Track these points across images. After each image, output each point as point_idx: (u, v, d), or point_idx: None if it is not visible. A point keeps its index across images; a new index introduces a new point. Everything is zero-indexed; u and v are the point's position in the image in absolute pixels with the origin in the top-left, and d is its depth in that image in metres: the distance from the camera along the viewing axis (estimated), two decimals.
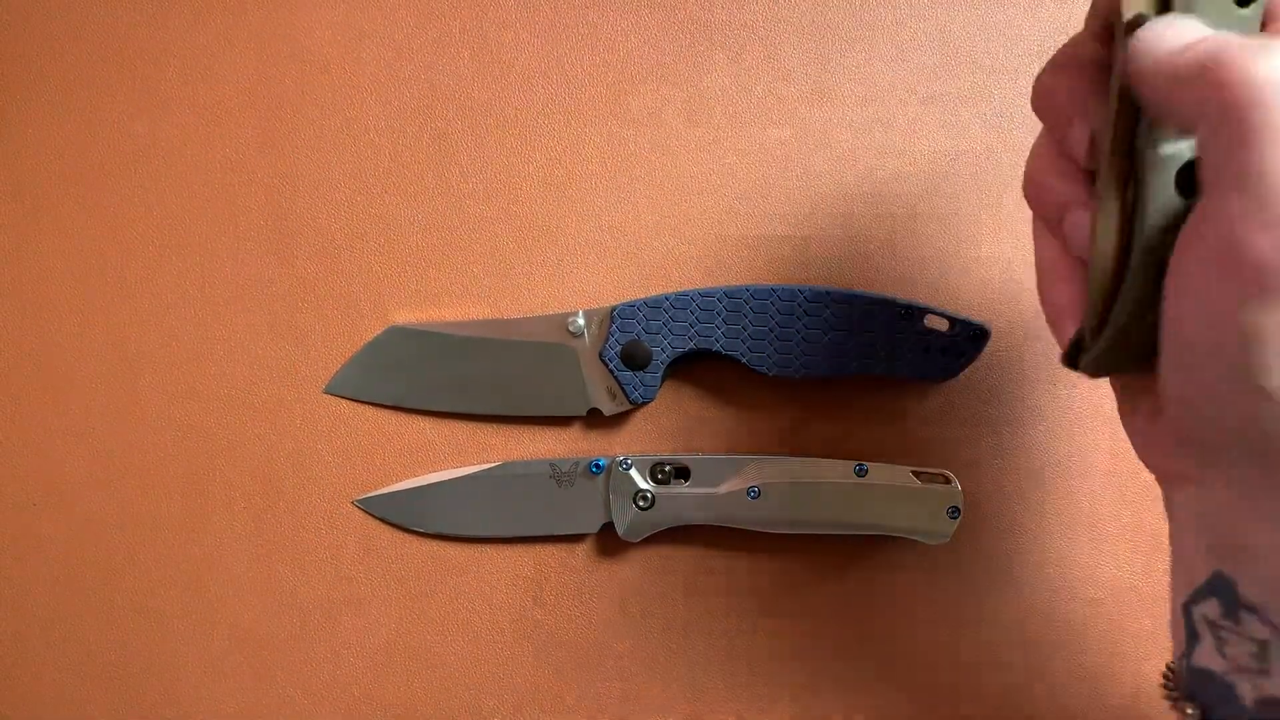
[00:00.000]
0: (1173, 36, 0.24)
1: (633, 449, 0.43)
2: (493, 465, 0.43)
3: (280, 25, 0.44)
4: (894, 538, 0.42)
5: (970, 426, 0.43)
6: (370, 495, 0.43)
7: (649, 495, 0.41)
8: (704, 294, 0.41)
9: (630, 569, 0.43)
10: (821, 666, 0.43)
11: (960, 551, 0.43)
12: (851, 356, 0.41)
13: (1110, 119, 0.26)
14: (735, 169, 0.44)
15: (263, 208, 0.44)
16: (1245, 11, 0.25)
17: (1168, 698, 0.28)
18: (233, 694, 0.43)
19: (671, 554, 0.43)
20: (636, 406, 0.42)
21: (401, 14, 0.44)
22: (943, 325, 0.41)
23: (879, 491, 0.40)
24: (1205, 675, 0.26)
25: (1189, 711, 0.27)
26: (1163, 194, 0.25)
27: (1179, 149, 0.25)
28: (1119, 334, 0.26)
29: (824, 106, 0.44)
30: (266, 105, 0.44)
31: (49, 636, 0.43)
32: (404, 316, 0.44)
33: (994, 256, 0.44)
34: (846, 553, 0.43)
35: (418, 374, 0.43)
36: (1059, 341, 0.30)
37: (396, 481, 0.43)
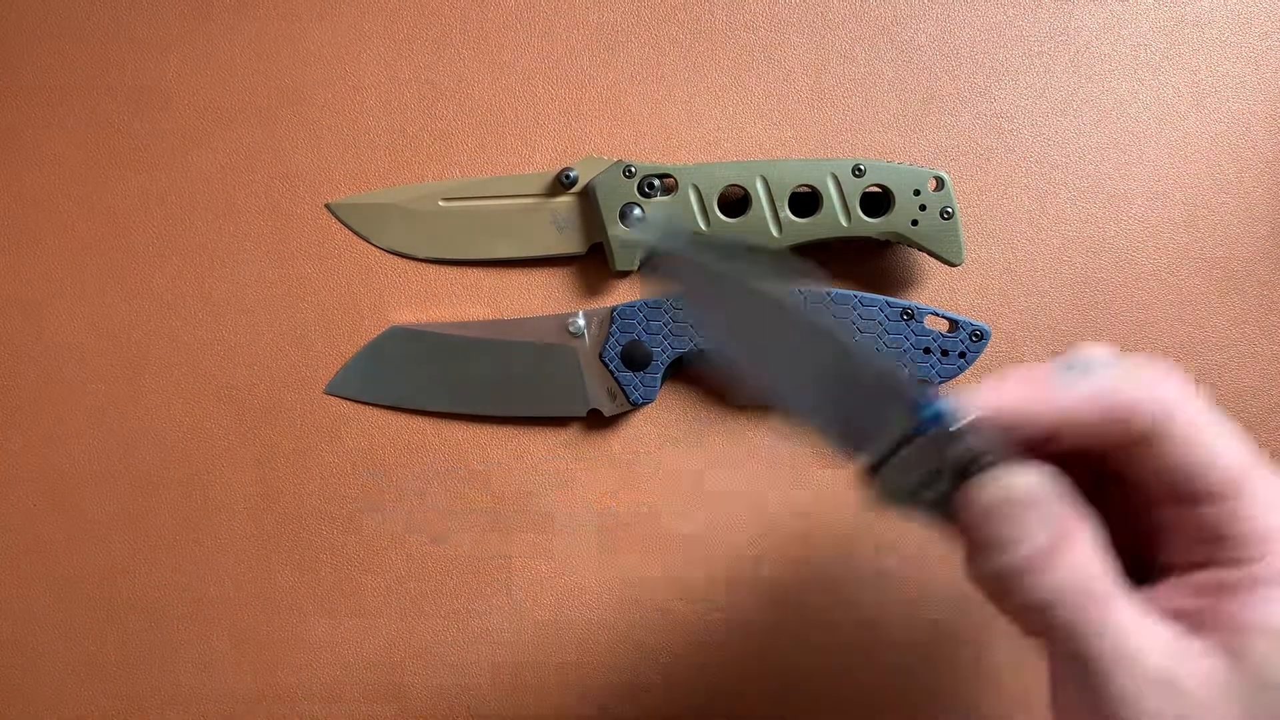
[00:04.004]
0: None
1: (632, 449, 0.43)
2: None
3: (280, 25, 0.44)
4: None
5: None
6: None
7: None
8: None
9: (627, 563, 0.43)
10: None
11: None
12: None
13: None
14: None
15: (263, 208, 0.44)
16: None
17: None
18: (233, 693, 0.43)
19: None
20: (636, 406, 0.42)
21: (401, 14, 0.44)
22: (943, 325, 0.41)
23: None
24: None
25: None
26: None
27: None
28: None
29: (824, 106, 0.44)
30: (266, 105, 0.44)
31: (49, 636, 0.43)
32: (404, 316, 0.44)
33: (994, 257, 0.44)
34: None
35: (418, 374, 0.43)
36: None
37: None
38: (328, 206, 0.44)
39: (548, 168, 0.44)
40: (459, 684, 0.43)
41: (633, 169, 0.41)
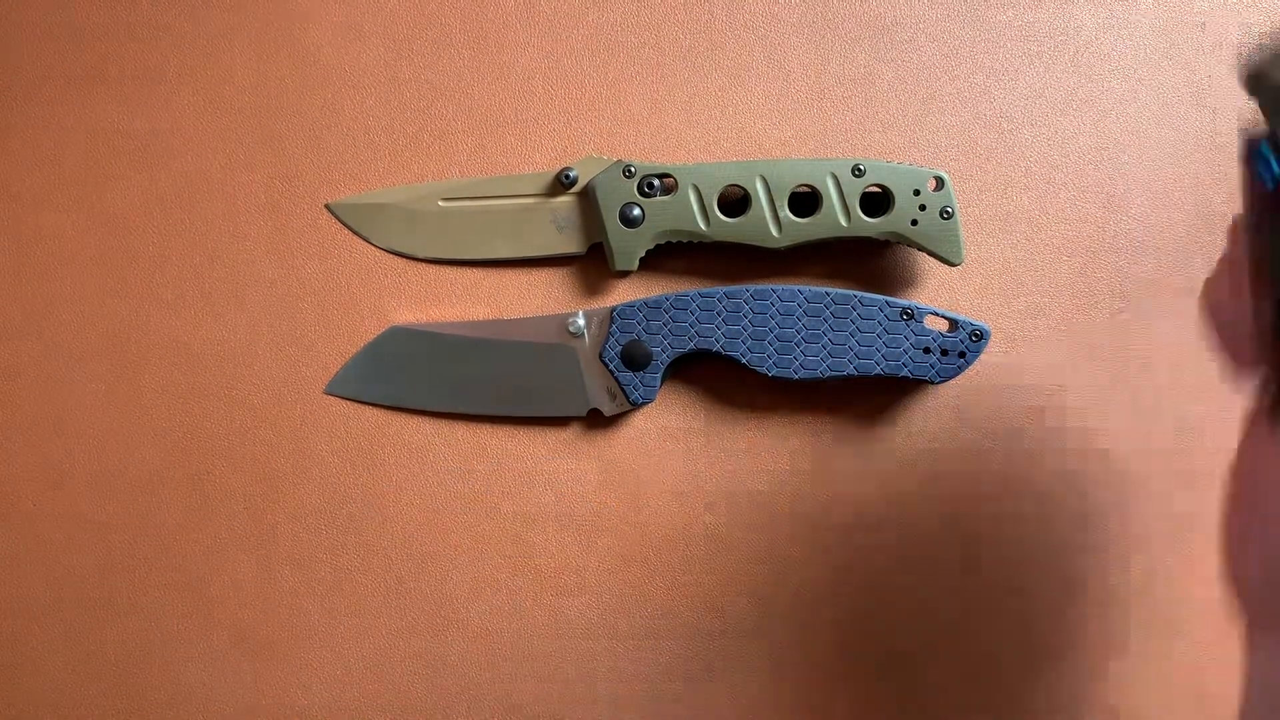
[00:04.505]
0: None
1: (633, 449, 0.43)
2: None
3: (281, 26, 0.44)
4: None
5: (970, 426, 0.43)
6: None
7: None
8: (704, 294, 0.41)
9: (627, 563, 0.43)
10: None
11: (962, 547, 0.43)
12: (851, 356, 0.41)
13: None
14: None
15: (263, 208, 0.44)
16: None
17: None
18: (233, 694, 0.43)
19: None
20: (636, 406, 0.42)
21: (401, 14, 0.44)
22: (942, 325, 0.41)
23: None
24: None
25: None
26: None
27: None
28: None
29: (824, 106, 0.44)
30: (267, 105, 0.44)
31: (49, 636, 0.43)
32: (404, 316, 0.44)
33: (994, 257, 0.44)
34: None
35: (418, 374, 0.43)
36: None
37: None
38: (328, 206, 0.44)
39: (548, 168, 0.44)
40: (459, 683, 0.43)
41: (633, 169, 0.41)
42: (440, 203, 0.43)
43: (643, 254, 0.42)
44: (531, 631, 0.43)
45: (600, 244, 0.42)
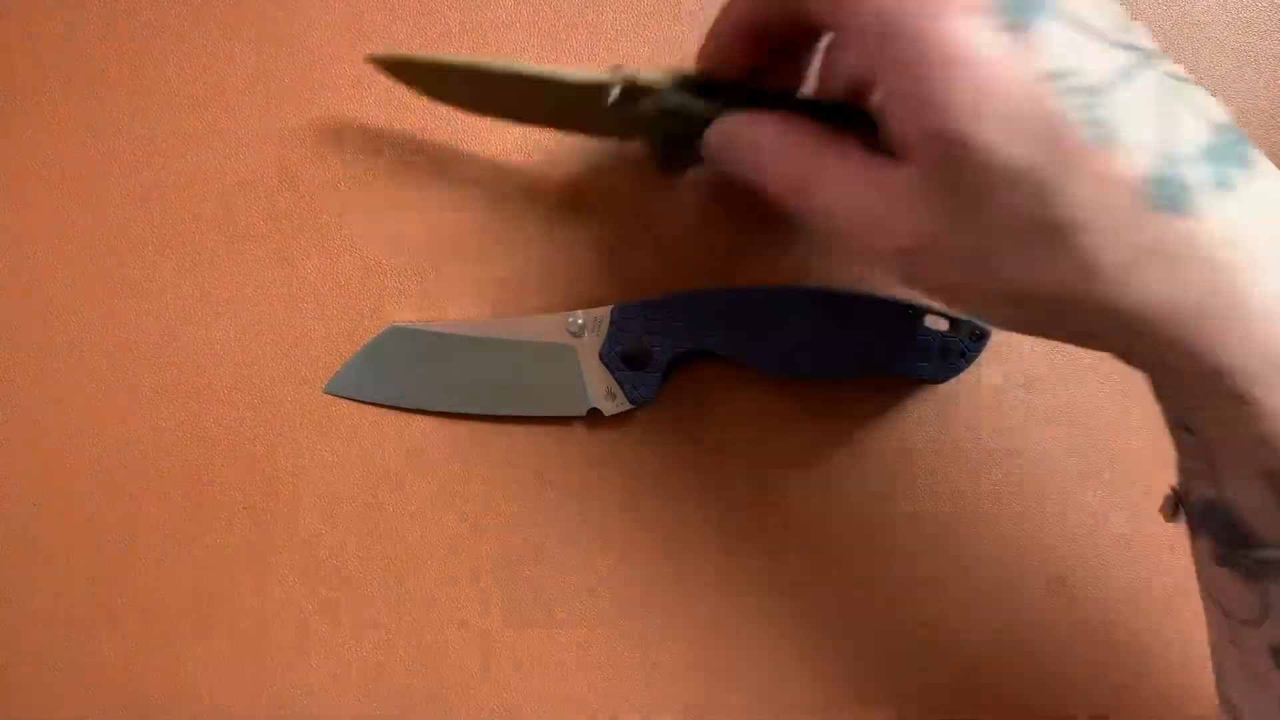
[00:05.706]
0: None
1: (633, 449, 0.43)
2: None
3: (280, 25, 0.44)
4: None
5: (970, 427, 0.43)
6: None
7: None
8: (704, 294, 0.41)
9: (628, 564, 0.43)
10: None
11: (961, 545, 0.43)
12: (851, 356, 0.41)
13: None
14: None
15: (262, 207, 0.44)
16: None
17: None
18: (233, 694, 0.43)
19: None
20: (636, 406, 0.42)
21: (401, 14, 0.44)
22: (943, 325, 0.41)
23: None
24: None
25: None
26: None
27: None
28: None
29: None
30: (266, 104, 0.44)
31: (48, 637, 0.43)
32: (404, 316, 0.44)
33: None
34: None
35: (418, 374, 0.43)
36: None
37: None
38: (371, 58, 0.40)
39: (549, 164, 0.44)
40: (459, 683, 0.43)
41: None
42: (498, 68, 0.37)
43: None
44: (531, 631, 0.43)
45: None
